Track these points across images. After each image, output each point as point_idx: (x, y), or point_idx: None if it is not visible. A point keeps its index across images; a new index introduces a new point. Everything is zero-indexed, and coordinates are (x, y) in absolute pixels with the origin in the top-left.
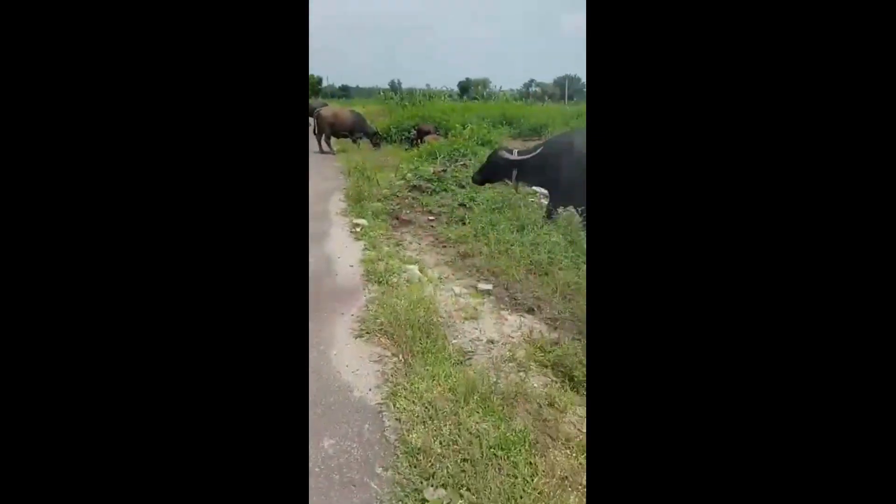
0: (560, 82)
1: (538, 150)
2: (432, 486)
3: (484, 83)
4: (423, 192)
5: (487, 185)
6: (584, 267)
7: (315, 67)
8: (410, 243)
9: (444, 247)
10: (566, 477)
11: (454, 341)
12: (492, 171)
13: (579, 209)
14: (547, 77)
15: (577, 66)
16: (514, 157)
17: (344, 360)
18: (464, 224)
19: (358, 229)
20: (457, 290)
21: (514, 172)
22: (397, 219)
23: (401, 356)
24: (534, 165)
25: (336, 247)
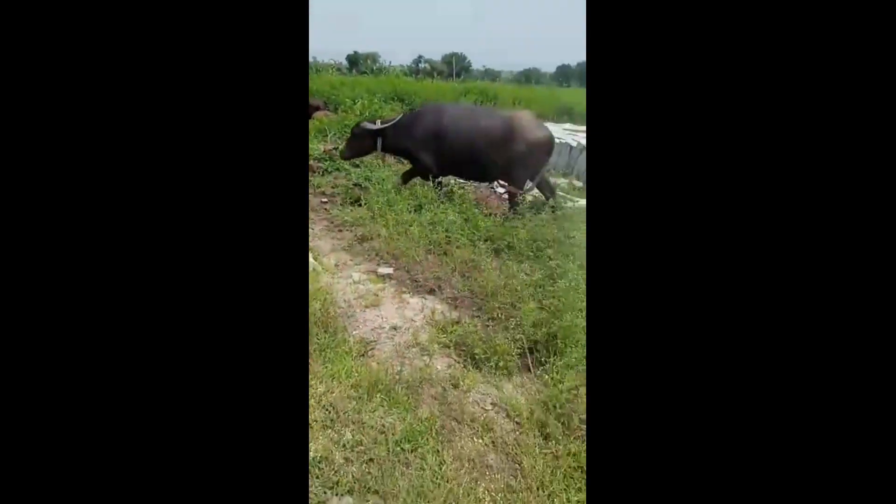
0: (448, 60)
1: (398, 118)
2: (337, 494)
3: (373, 57)
4: (314, 172)
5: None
6: (480, 244)
7: None
8: None
9: (340, 231)
10: (474, 461)
11: (355, 332)
12: (357, 145)
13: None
14: (434, 54)
15: (459, 46)
16: (376, 126)
17: None
18: (360, 206)
19: None
20: (356, 276)
21: (379, 142)
22: None
23: None
24: (395, 134)
25: None
